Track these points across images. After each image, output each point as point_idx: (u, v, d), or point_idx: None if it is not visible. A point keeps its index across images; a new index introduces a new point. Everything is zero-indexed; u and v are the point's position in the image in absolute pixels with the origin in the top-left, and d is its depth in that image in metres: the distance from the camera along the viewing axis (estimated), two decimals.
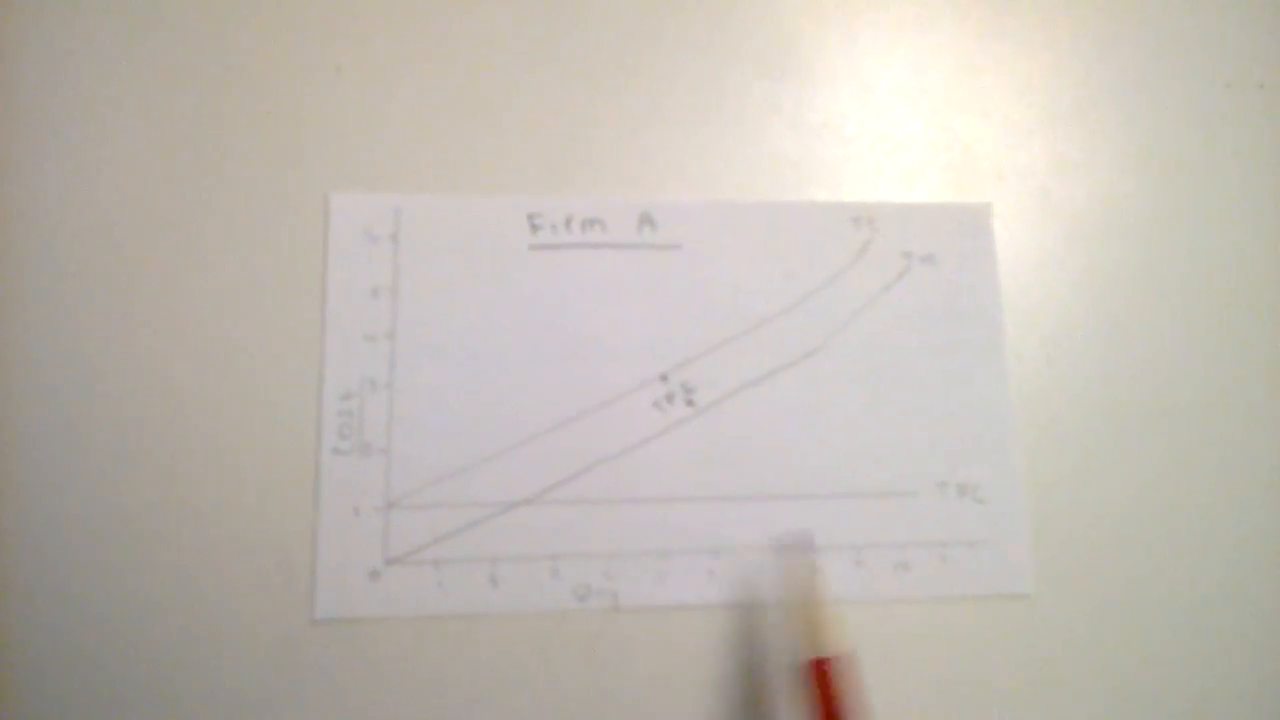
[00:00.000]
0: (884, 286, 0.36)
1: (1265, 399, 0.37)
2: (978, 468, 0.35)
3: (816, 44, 0.38)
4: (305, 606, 0.32)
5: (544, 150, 0.36)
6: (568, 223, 0.35)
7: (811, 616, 0.30)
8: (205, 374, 0.33)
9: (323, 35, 0.36)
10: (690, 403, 0.34)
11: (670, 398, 0.34)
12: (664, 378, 0.35)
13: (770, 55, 0.38)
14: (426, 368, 0.34)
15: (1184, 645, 0.35)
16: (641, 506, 0.33)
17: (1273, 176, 0.39)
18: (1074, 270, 0.37)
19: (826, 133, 0.38)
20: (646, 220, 0.36)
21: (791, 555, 0.32)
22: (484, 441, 0.33)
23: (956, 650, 0.34)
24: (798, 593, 0.31)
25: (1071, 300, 0.37)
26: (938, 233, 0.37)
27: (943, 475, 0.35)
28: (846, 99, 0.38)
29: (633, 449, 0.34)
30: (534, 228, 0.35)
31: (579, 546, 0.33)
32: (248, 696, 0.31)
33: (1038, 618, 0.34)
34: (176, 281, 0.34)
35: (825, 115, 0.38)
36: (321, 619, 0.32)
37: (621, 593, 0.33)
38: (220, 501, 0.32)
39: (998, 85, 0.39)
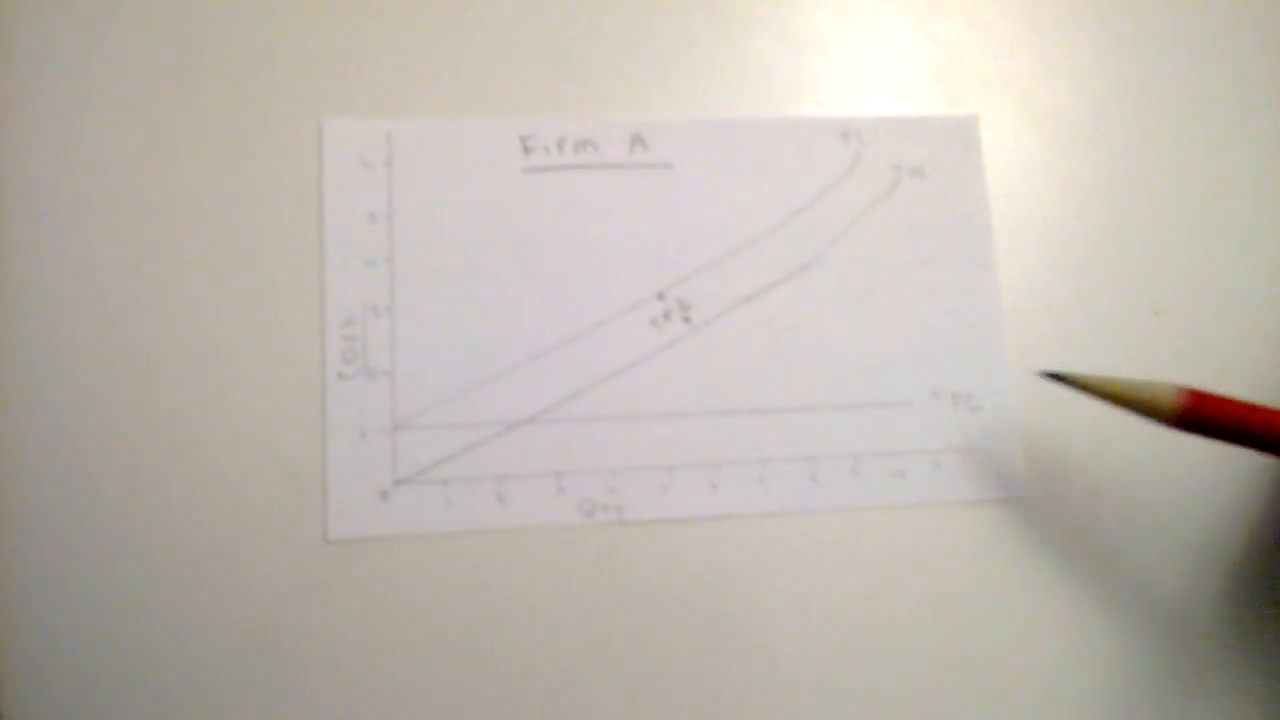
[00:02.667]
0: (874, 200, 0.37)
1: (1256, 298, 0.37)
2: (970, 376, 0.36)
3: None
4: (319, 528, 0.32)
5: (535, 73, 0.36)
6: (560, 144, 0.36)
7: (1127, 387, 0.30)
8: (207, 304, 0.33)
9: None
10: (687, 319, 0.35)
11: (667, 315, 0.35)
12: (660, 296, 0.35)
13: None
14: (426, 291, 0.34)
15: (1171, 543, 0.36)
16: (642, 422, 0.34)
17: (1262, 72, 0.39)
18: (1062, 177, 0.38)
19: (813, 47, 0.38)
20: (638, 140, 0.36)
21: None
22: (485, 363, 0.34)
23: (952, 552, 0.35)
24: None
25: (1059, 208, 0.38)
26: (926, 145, 0.37)
27: (936, 384, 0.36)
28: (832, 12, 0.38)
29: (631, 366, 0.34)
30: (527, 150, 0.35)
31: (583, 463, 0.34)
32: (267, 617, 0.32)
33: (1030, 520, 0.35)
34: (175, 213, 0.34)
35: (811, 29, 0.38)
36: (335, 539, 0.32)
37: (626, 506, 0.34)
38: (230, 430, 0.33)
39: None
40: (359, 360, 0.33)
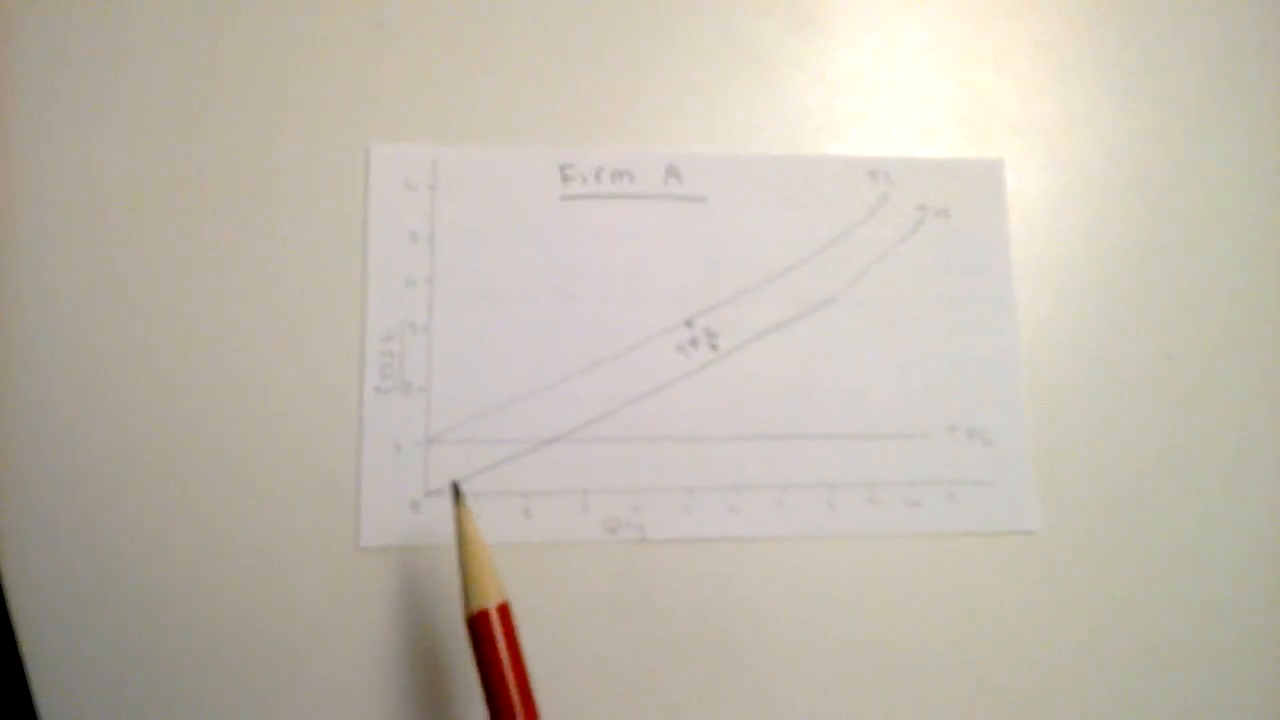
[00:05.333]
0: (899, 238, 0.38)
1: (1270, 347, 0.38)
2: (986, 412, 0.37)
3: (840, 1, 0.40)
4: (351, 535, 0.34)
5: (575, 104, 0.37)
6: (598, 174, 0.37)
7: (467, 569, 0.30)
8: (254, 319, 0.35)
9: None
10: (713, 347, 0.36)
11: (694, 342, 0.36)
12: (688, 323, 0.36)
13: (795, 12, 0.39)
14: (463, 311, 0.35)
15: (1185, 580, 0.36)
16: (667, 445, 0.35)
17: None
18: (1083, 223, 0.39)
19: (846, 88, 0.39)
20: (673, 173, 0.37)
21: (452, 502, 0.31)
22: (517, 382, 0.35)
23: (964, 583, 0.35)
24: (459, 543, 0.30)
25: (1080, 252, 0.38)
26: (952, 187, 0.38)
27: (953, 419, 0.37)
28: (865, 55, 0.39)
29: (658, 390, 0.36)
30: (565, 178, 0.37)
31: (608, 482, 0.35)
32: (299, 619, 0.33)
33: (1043, 553, 0.36)
34: (226, 230, 0.35)
35: (846, 70, 0.39)
36: (366, 547, 0.33)
37: (648, 525, 0.35)
38: (270, 439, 0.34)
39: (1012, 39, 0.40)
40: (396, 375, 0.35)
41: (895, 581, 0.35)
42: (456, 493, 0.31)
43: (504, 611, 0.30)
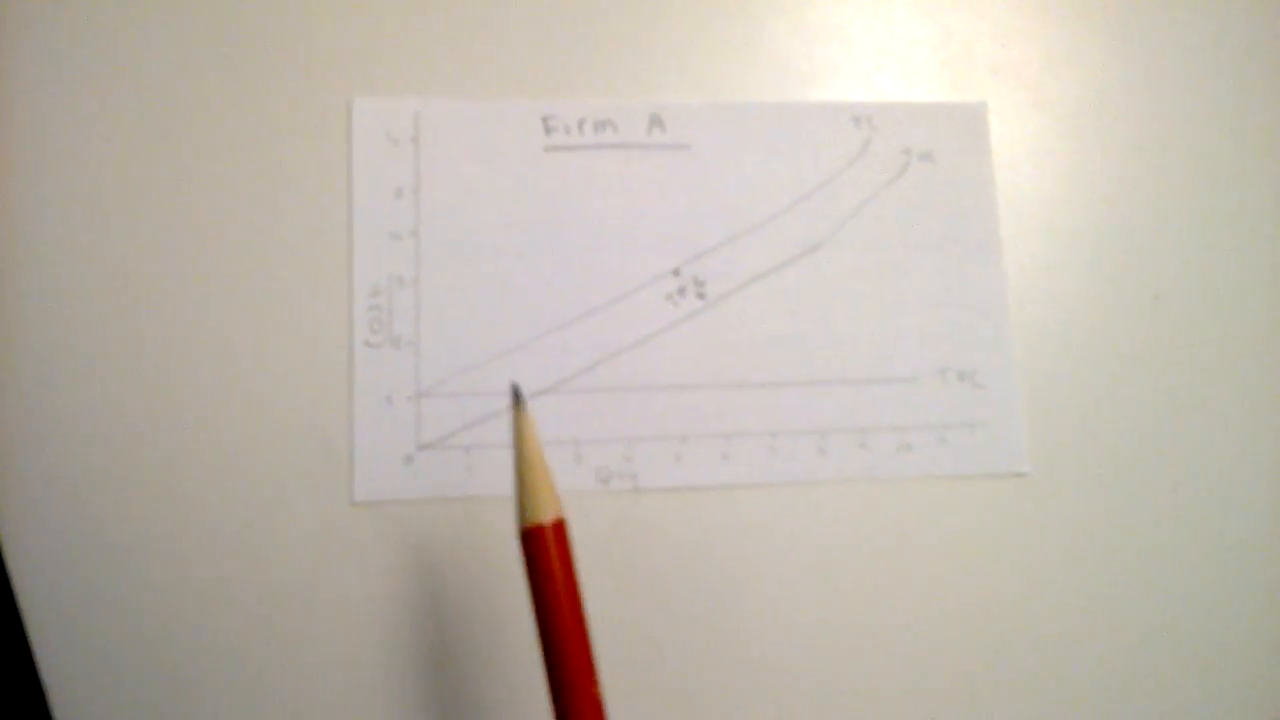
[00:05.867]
0: (884, 183, 0.38)
1: (1254, 284, 0.39)
2: (975, 354, 0.37)
3: None
4: (344, 490, 0.34)
5: (557, 55, 0.37)
6: (580, 125, 0.37)
7: (524, 479, 0.28)
8: (239, 275, 0.35)
9: None
10: (701, 295, 0.36)
11: (682, 291, 0.36)
12: (676, 272, 0.36)
13: None
14: (450, 264, 0.35)
15: (1176, 520, 0.37)
16: (657, 393, 0.35)
17: (1266, 65, 0.40)
18: (1067, 164, 0.39)
19: (827, 34, 0.39)
20: (656, 122, 0.37)
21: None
22: (507, 334, 0.35)
23: (956, 526, 0.36)
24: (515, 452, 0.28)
25: (1065, 194, 0.39)
26: (935, 131, 0.38)
27: (942, 362, 0.37)
28: (846, 1, 0.39)
29: (647, 339, 0.36)
30: (548, 130, 0.37)
31: (600, 432, 0.35)
32: (293, 574, 0.33)
33: (1033, 495, 0.36)
34: (208, 187, 0.35)
35: (825, 17, 0.39)
36: (360, 501, 0.33)
37: (641, 474, 0.35)
38: (261, 395, 0.34)
39: None
40: (385, 330, 0.35)
41: (887, 525, 0.35)
42: (517, 397, 0.28)
43: (559, 529, 0.27)
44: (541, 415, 0.35)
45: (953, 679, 0.35)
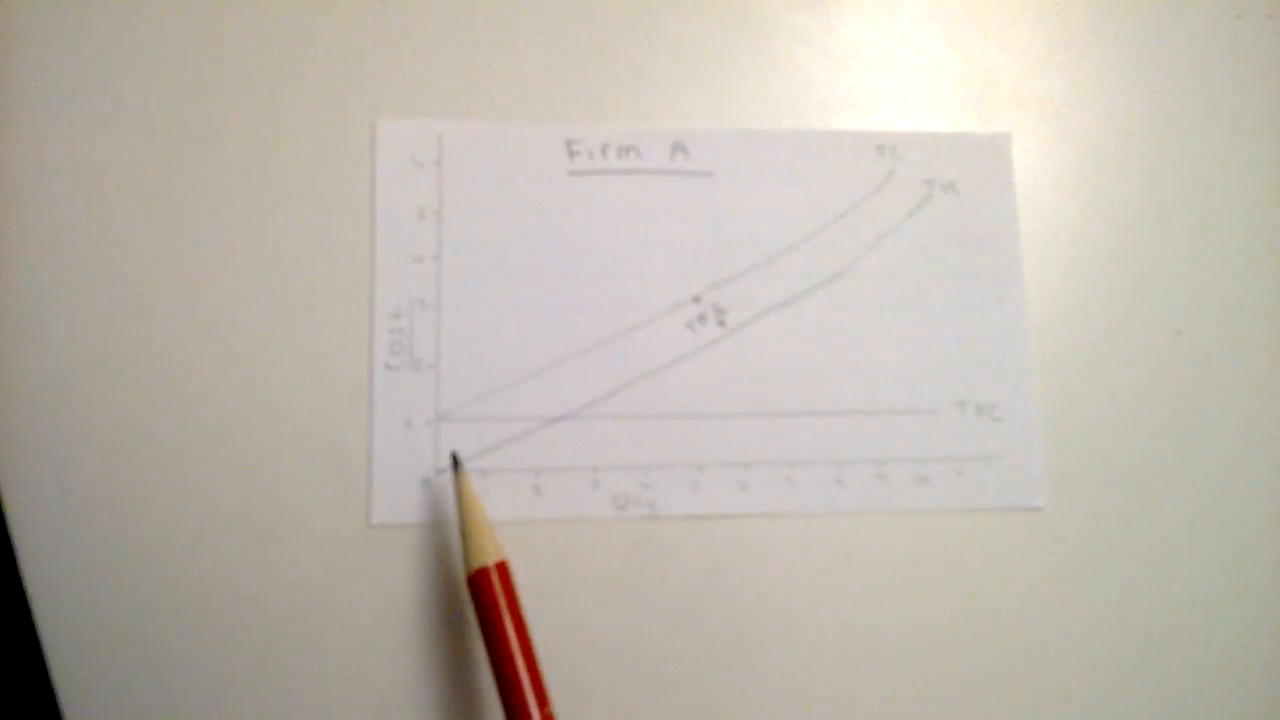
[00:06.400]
0: (907, 213, 0.38)
1: (1277, 321, 0.38)
2: (995, 388, 0.37)
3: None
4: (362, 513, 0.33)
5: (581, 80, 0.37)
6: (604, 149, 0.37)
7: (466, 529, 0.31)
8: (262, 298, 0.35)
9: None
10: (722, 323, 0.36)
11: (702, 318, 0.36)
12: (696, 299, 0.36)
13: None
14: (471, 287, 0.35)
15: (1192, 556, 0.36)
16: (676, 421, 0.35)
17: None
18: (1091, 197, 0.39)
19: (852, 62, 0.39)
20: (680, 148, 0.37)
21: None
22: (527, 359, 0.35)
23: (972, 560, 0.35)
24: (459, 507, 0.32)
25: (1088, 227, 0.38)
26: (959, 161, 0.38)
27: (961, 394, 0.37)
28: (872, 30, 0.39)
29: (667, 367, 0.36)
30: (572, 154, 0.37)
31: (618, 459, 0.35)
32: (309, 595, 0.33)
33: (1050, 530, 0.36)
34: (234, 207, 0.35)
35: (852, 45, 0.39)
36: (377, 524, 0.33)
37: (658, 502, 0.35)
38: (281, 416, 0.34)
39: (1018, 12, 0.40)
40: (406, 352, 0.34)
41: (904, 557, 0.35)
42: (455, 462, 0.32)
43: (503, 569, 0.31)
44: (560, 441, 0.35)
45: (969, 712, 0.34)
